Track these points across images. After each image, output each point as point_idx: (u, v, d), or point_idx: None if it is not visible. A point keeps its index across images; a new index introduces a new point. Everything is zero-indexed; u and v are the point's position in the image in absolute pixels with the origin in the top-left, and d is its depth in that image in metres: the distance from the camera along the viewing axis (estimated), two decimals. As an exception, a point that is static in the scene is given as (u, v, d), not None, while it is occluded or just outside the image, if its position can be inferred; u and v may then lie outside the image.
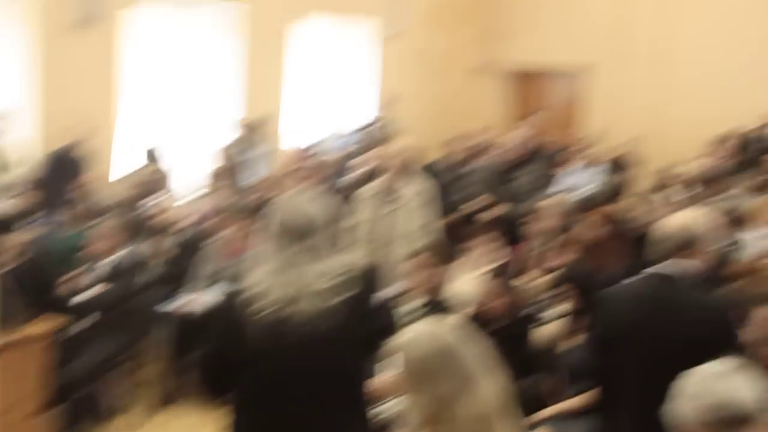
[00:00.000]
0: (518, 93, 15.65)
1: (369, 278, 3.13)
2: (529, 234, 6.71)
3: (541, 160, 8.65)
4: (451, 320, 2.81)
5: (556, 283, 5.20)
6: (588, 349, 4.14)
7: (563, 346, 4.95)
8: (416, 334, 2.62)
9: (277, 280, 2.95)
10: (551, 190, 8.37)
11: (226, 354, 3.04)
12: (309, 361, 2.95)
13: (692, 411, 2.42)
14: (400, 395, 4.46)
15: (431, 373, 2.53)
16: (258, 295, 2.94)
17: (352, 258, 5.56)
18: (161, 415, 6.45)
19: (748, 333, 3.47)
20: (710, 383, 2.43)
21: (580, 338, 4.69)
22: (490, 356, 2.64)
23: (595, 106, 14.39)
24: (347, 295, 2.96)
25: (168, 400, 6.59)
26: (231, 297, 3.10)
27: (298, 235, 2.97)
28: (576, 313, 4.89)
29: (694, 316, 3.41)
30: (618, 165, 11.15)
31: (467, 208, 7.68)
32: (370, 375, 3.25)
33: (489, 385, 2.57)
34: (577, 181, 9.37)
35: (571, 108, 15.01)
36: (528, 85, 15.59)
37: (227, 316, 3.04)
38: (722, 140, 11.58)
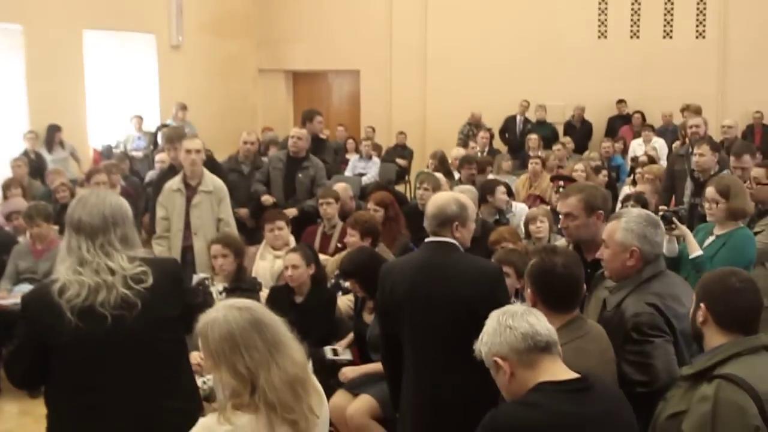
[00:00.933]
0: (299, 93, 16.02)
1: (168, 267, 3.20)
2: (320, 216, 6.94)
3: (326, 151, 8.95)
4: (249, 299, 2.76)
5: (342, 271, 5.33)
6: (377, 319, 4.33)
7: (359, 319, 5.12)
8: (213, 316, 2.58)
9: (80, 273, 2.97)
10: (338, 177, 8.68)
11: (39, 343, 3.01)
12: (120, 342, 2.97)
13: (505, 342, 2.69)
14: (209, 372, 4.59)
15: (232, 348, 2.51)
16: (65, 287, 2.95)
17: (152, 249, 5.64)
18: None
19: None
20: (516, 320, 2.72)
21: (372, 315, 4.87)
22: (291, 327, 2.65)
23: (368, 103, 15.02)
24: (149, 282, 3.00)
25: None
26: (41, 289, 3.09)
27: (95, 232, 3.01)
28: (364, 299, 5.06)
29: (466, 277, 3.62)
30: (394, 153, 11.69)
31: (259, 198, 7.80)
32: (185, 352, 3.25)
33: (293, 353, 2.59)
34: (359, 169, 9.76)
35: (348, 105, 15.56)
36: (307, 85, 15.98)
37: (39, 307, 3.01)
38: (473, 127, 12.46)
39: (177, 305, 3.09)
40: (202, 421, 2.56)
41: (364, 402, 4.69)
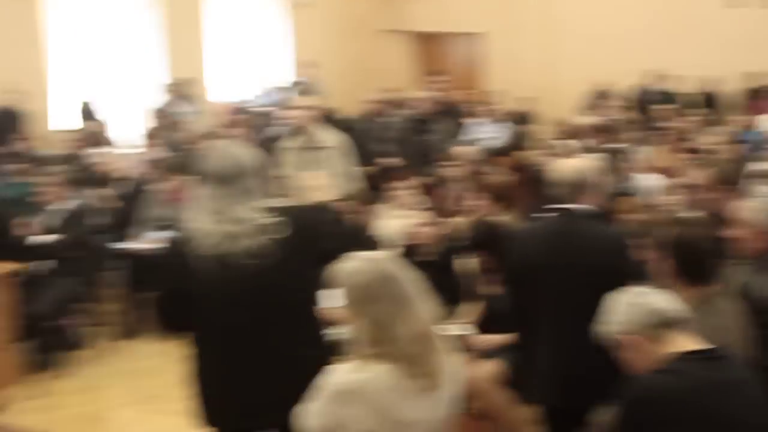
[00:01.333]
0: (423, 54, 15.97)
1: (304, 217, 3.19)
2: (445, 179, 6.98)
3: (450, 114, 8.95)
4: (384, 252, 2.83)
5: (469, 237, 5.26)
6: (504, 289, 4.17)
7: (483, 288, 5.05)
8: (355, 263, 2.62)
9: (214, 221, 3.02)
10: (461, 140, 8.68)
11: (178, 291, 3.11)
12: (254, 291, 3.03)
13: (629, 321, 2.73)
14: (345, 323, 4.72)
15: (371, 298, 2.55)
16: (199, 235, 3.02)
17: (283, 200, 5.79)
18: (124, 346, 6.61)
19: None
20: (640, 298, 2.76)
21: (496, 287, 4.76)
22: (421, 283, 2.66)
23: (493, 66, 14.87)
24: (283, 230, 3.03)
25: (129, 332, 6.75)
26: (176, 239, 3.20)
27: (229, 179, 3.05)
28: (487, 270, 4.92)
29: (597, 245, 3.57)
30: (518, 119, 11.57)
31: (384, 159, 7.87)
32: (316, 302, 3.28)
33: (424, 307, 2.61)
34: (484, 133, 9.72)
35: (472, 68, 15.43)
36: (432, 46, 15.91)
37: (175, 256, 3.10)
38: (601, 96, 12.21)
39: (311, 255, 3.10)
40: (338, 367, 2.62)
41: (490, 367, 4.70)
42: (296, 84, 12.17)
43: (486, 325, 4.98)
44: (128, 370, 6.13)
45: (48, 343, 6.12)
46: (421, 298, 2.64)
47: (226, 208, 3.02)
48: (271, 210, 3.08)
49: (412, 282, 2.64)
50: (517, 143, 10.08)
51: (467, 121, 9.63)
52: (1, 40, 9.37)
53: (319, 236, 3.17)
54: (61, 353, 6.17)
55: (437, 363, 2.62)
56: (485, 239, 4.93)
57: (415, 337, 2.56)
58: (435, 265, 5.26)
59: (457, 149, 7.56)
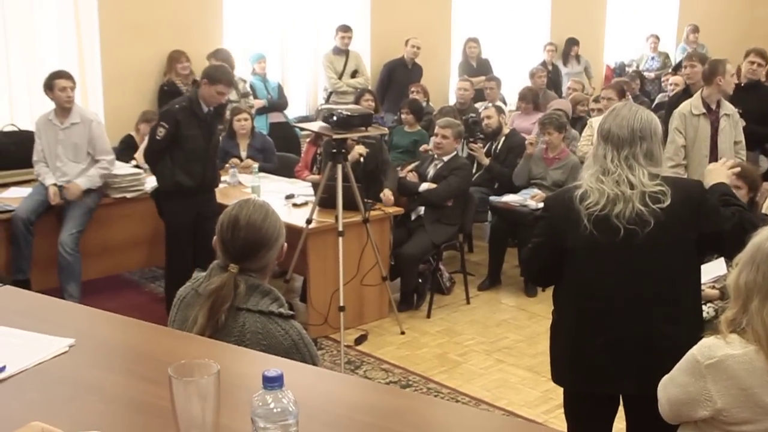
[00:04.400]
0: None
1: (691, 189, 3.09)
2: None
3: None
4: None
5: None
6: None
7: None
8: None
9: (602, 182, 3.01)
10: None
11: (556, 243, 3.12)
12: (629, 256, 2.98)
13: None
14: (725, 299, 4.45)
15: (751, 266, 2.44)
16: (586, 194, 3.02)
17: (673, 170, 5.48)
18: (486, 296, 6.81)
19: None
20: None
21: None
22: None
23: None
24: (666, 202, 2.95)
25: (492, 282, 6.96)
26: (564, 192, 3.20)
27: (622, 144, 3.02)
28: None
29: None
30: None
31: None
32: (695, 278, 3.18)
33: None
34: None
35: None
36: None
37: (560, 209, 3.12)
38: None
39: (692, 230, 3.00)
40: (705, 341, 2.54)
41: None
42: (687, 46, 11.60)
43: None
44: (485, 321, 6.27)
45: (415, 285, 6.44)
46: None
47: (616, 170, 3.01)
48: (659, 179, 3.02)
49: None
50: None
51: None
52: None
53: (701, 214, 3.02)
54: (424, 295, 6.47)
55: None
56: None
57: None
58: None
59: None
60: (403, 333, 5.95)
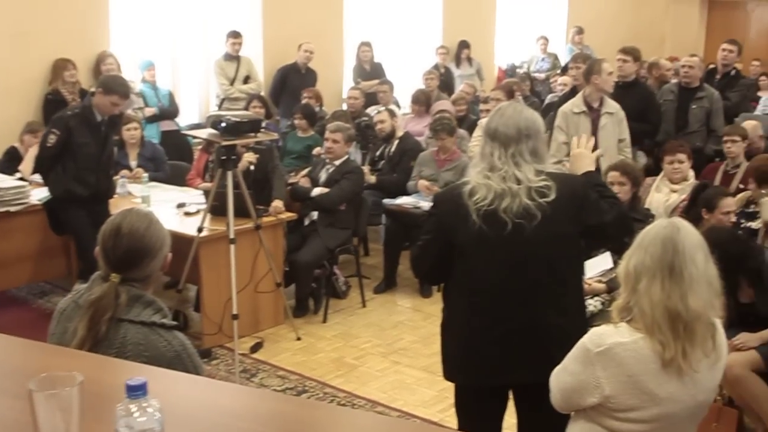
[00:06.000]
0: (713, 22, 15.04)
1: (574, 184, 3.19)
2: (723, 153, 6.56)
3: (741, 85, 8.38)
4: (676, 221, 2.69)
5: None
6: None
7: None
8: (653, 230, 2.63)
9: (489, 179, 3.08)
10: (747, 114, 8.10)
11: (445, 240, 3.18)
12: (517, 250, 3.05)
13: None
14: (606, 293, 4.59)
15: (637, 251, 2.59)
16: (474, 190, 3.09)
17: (556, 166, 5.64)
18: (380, 299, 6.85)
19: None
20: None
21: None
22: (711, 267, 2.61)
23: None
24: (551, 196, 3.03)
25: (388, 284, 7.02)
26: (453, 189, 3.25)
27: (508, 142, 3.10)
28: None
29: None
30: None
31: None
32: (580, 271, 3.31)
33: (696, 291, 2.55)
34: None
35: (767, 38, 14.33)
36: (723, 13, 14.94)
37: (449, 205, 3.18)
38: None
39: (577, 223, 3.11)
40: (595, 329, 2.65)
41: (746, 355, 4.40)
42: (573, 46, 11.95)
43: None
44: (381, 323, 6.32)
45: (308, 290, 6.45)
46: (699, 279, 2.55)
47: (502, 166, 3.08)
48: (544, 174, 3.10)
49: (693, 256, 2.56)
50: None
51: (755, 94, 8.93)
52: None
53: (584, 208, 3.13)
54: (319, 300, 6.49)
55: (681, 352, 2.53)
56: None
57: (656, 309, 2.52)
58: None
59: (740, 123, 7.03)
60: (299, 339, 5.96)
